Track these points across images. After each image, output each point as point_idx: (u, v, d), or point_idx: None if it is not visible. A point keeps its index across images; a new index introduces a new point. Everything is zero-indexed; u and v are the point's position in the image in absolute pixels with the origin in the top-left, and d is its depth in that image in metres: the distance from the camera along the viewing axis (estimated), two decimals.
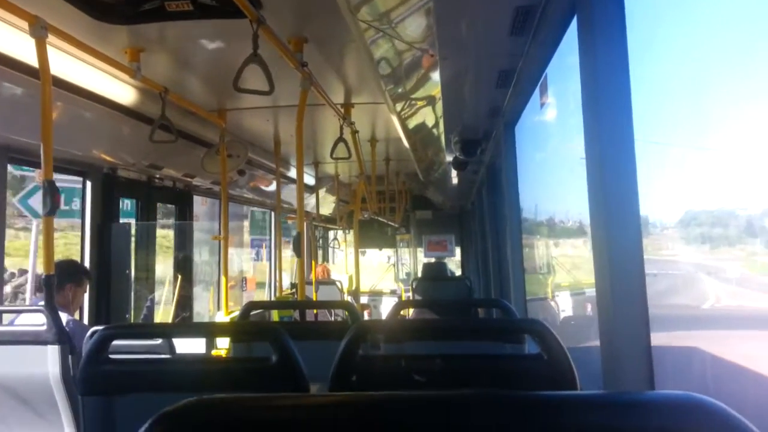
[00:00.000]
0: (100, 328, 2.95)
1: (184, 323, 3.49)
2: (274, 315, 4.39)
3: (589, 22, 1.39)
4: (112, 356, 1.63)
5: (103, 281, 4.38)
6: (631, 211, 1.25)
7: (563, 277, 5.35)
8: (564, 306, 5.17)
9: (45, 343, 2.45)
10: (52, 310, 2.47)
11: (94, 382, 1.59)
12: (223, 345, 4.23)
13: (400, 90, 3.81)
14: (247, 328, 2.08)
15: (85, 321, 4.14)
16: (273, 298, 7.72)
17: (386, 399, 0.53)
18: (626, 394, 0.55)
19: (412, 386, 1.44)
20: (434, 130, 5.19)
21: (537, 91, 2.78)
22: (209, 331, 2.65)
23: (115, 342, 1.67)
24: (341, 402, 0.54)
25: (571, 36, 1.95)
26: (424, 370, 1.45)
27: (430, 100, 4.17)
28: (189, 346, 3.97)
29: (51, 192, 2.47)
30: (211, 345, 4.29)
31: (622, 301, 1.23)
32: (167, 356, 2.62)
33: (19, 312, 3.06)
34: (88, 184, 4.31)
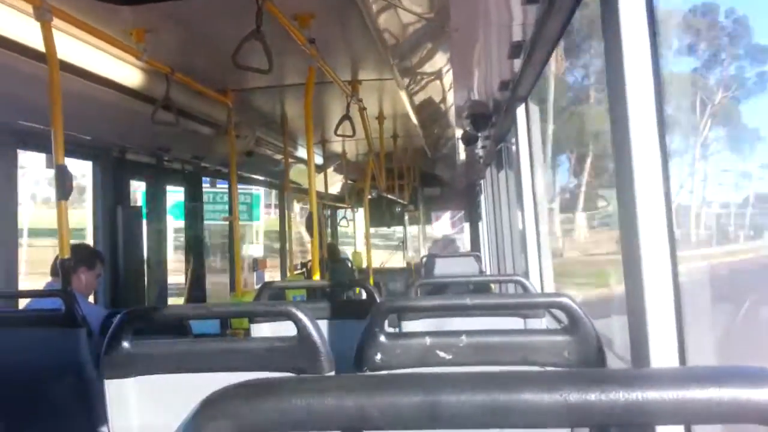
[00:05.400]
0: (118, 310, 2.97)
1: (205, 305, 3.50)
2: (287, 295, 4.40)
3: None
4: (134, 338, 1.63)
5: (115, 264, 4.40)
6: (660, 181, 1.22)
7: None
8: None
9: (63, 326, 2.46)
10: (69, 294, 2.48)
11: (117, 364, 1.60)
12: (237, 325, 4.25)
13: (408, 64, 3.76)
14: (269, 307, 2.08)
15: (98, 304, 4.17)
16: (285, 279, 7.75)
17: (454, 378, 0.52)
18: (697, 368, 0.53)
19: (438, 364, 1.43)
20: (442, 105, 5.15)
21: (552, 62, 2.73)
22: (231, 311, 2.66)
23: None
24: (399, 381, 0.52)
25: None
26: (449, 347, 1.44)
27: (439, 74, 4.12)
28: (199, 324, 3.97)
29: (64, 177, 2.46)
30: (225, 324, 4.31)
31: (651, 274, 1.21)
32: (188, 337, 2.63)
33: (37, 296, 3.07)
34: (97, 167, 4.32)
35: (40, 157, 3.73)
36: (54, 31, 2.49)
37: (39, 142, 3.51)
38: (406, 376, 0.54)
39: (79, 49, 3.02)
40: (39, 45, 2.52)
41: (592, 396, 0.50)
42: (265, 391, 0.51)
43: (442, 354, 1.42)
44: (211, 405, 0.51)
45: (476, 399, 0.51)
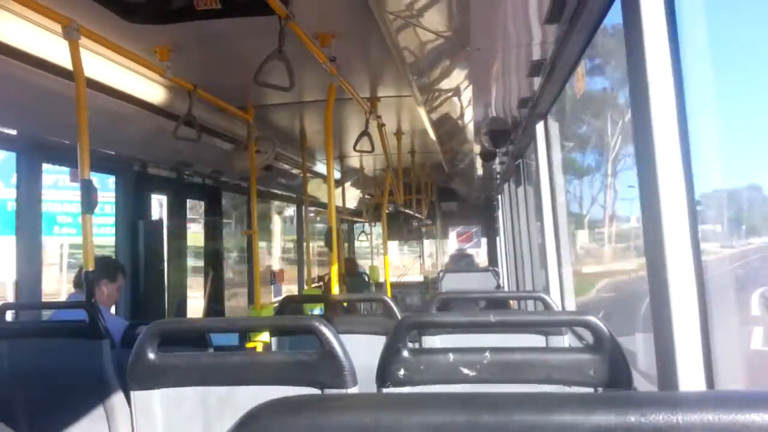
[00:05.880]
0: (138, 322, 2.99)
1: (228, 318, 3.52)
2: (305, 309, 4.41)
3: (635, 4, 1.35)
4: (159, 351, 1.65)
5: (136, 277, 4.45)
6: (685, 202, 1.22)
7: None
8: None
9: (87, 337, 2.50)
10: (93, 306, 2.52)
11: (143, 376, 1.62)
12: (256, 337, 4.26)
13: (426, 81, 3.78)
14: (292, 321, 2.09)
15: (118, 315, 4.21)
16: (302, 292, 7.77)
17: (492, 398, 0.52)
18: (733, 392, 0.53)
19: (462, 381, 1.43)
20: (460, 121, 5.16)
21: (572, 80, 2.73)
22: (254, 325, 2.69)
23: None
24: (437, 400, 0.53)
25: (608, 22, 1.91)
26: (473, 364, 1.44)
27: (458, 91, 4.14)
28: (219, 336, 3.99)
29: (89, 191, 2.51)
30: (244, 336, 4.33)
31: (677, 296, 1.20)
32: (208, 348, 2.66)
33: (61, 308, 3.12)
34: (120, 181, 4.40)
35: None
36: (81, 49, 2.55)
37: (63, 157, 3.58)
38: (449, 395, 0.54)
39: (104, 66, 3.09)
40: (66, 63, 2.58)
41: (632, 418, 0.51)
42: (308, 407, 0.52)
43: (465, 371, 1.42)
44: (253, 419, 0.52)
45: (514, 420, 0.51)
